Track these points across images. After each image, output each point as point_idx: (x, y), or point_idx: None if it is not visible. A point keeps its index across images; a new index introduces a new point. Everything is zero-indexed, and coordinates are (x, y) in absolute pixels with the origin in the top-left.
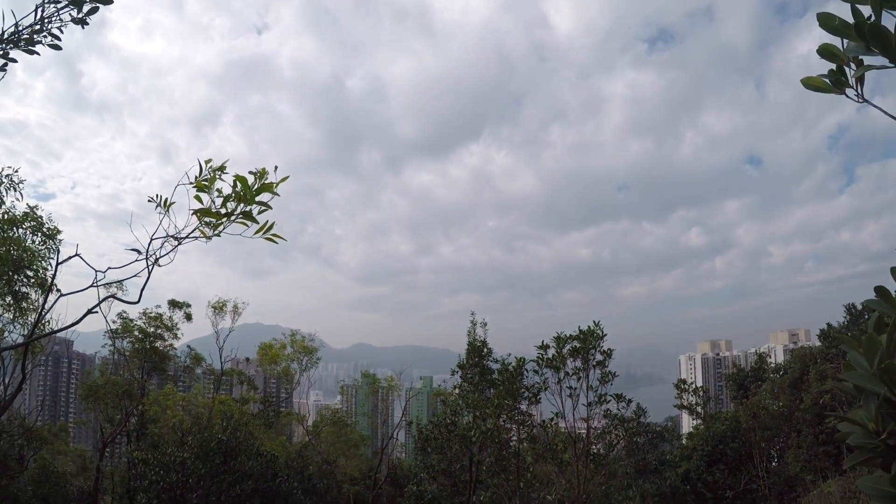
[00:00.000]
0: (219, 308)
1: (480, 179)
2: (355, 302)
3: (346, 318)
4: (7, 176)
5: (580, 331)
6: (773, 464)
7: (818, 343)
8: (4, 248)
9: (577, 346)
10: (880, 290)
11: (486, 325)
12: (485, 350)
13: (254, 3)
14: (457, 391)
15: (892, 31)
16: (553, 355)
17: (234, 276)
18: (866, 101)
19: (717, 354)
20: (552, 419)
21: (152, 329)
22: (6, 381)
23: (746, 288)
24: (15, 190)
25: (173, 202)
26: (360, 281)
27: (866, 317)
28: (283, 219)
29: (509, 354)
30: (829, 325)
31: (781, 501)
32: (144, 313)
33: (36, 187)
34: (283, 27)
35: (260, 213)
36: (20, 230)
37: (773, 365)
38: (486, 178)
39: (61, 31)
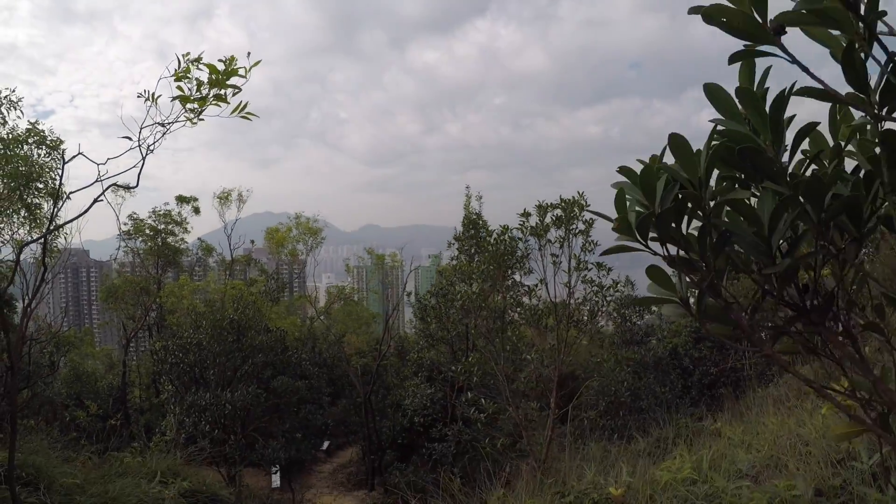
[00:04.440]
0: (224, 198)
1: (487, 56)
2: (363, 184)
3: (355, 200)
4: (6, 97)
5: (561, 199)
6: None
7: None
8: (13, 166)
9: (560, 214)
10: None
11: (481, 198)
12: (480, 222)
13: None
14: (453, 262)
15: None
16: (536, 223)
17: (242, 168)
18: None
19: None
20: (536, 285)
21: (162, 226)
22: (30, 295)
23: None
24: (15, 108)
25: (160, 95)
26: (368, 163)
27: None
28: (287, 105)
29: (506, 226)
30: None
31: (761, 379)
32: (154, 211)
33: (34, 106)
34: None
35: (234, 95)
36: (26, 146)
37: None
38: (494, 55)
39: None
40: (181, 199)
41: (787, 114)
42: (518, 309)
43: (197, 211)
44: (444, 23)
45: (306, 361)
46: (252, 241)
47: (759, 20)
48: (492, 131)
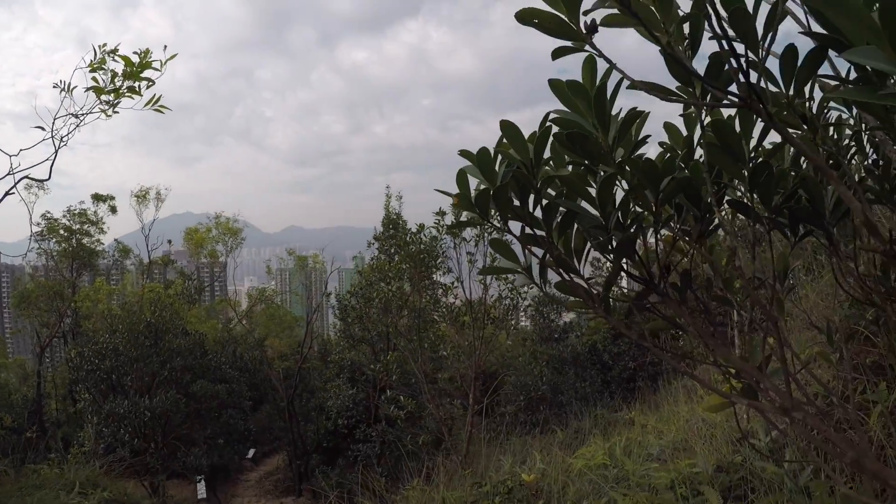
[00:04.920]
0: (142, 197)
1: (417, 57)
2: (287, 185)
3: (278, 201)
4: None
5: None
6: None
7: None
8: None
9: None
10: None
11: (401, 198)
12: (400, 222)
13: None
14: (373, 262)
15: None
16: (451, 221)
17: (162, 165)
18: None
19: None
20: (453, 283)
21: (78, 226)
22: None
23: None
24: None
25: (75, 86)
26: (292, 163)
27: None
28: (211, 101)
29: (422, 225)
30: None
31: (676, 372)
32: (69, 210)
33: None
34: None
35: (148, 87)
36: None
37: None
38: (424, 56)
39: None
40: (97, 198)
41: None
42: (437, 307)
43: (114, 210)
44: (376, 22)
45: (226, 365)
46: (170, 242)
47: (570, 22)
48: (419, 133)
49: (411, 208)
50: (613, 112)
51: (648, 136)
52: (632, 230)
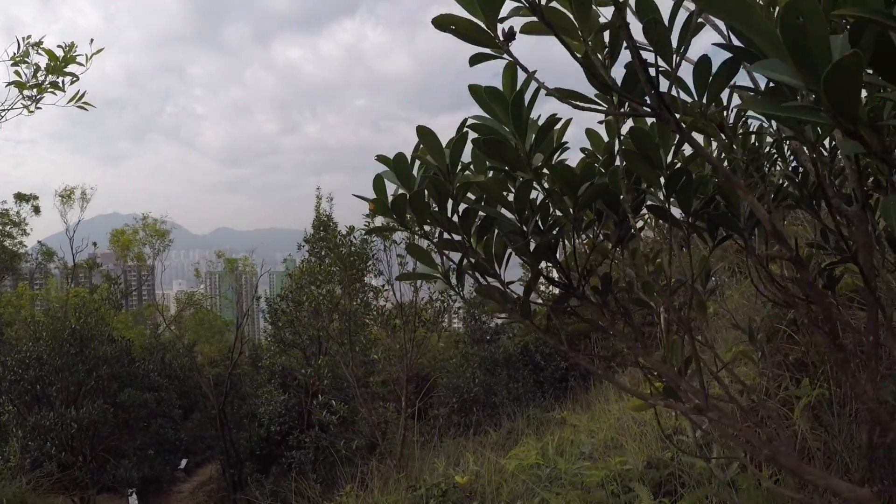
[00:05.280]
0: (67, 197)
1: (353, 57)
2: (217, 185)
3: (208, 201)
4: None
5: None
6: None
7: None
8: None
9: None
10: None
11: (332, 199)
12: (331, 224)
13: None
14: (304, 265)
15: None
16: (382, 223)
17: (88, 164)
18: None
19: None
20: (384, 286)
21: None
22: None
23: None
24: None
25: None
26: (223, 162)
27: None
28: (141, 97)
29: (352, 227)
30: None
31: (607, 373)
32: None
33: None
34: None
35: (72, 83)
36: None
37: None
38: (359, 56)
39: None
40: (20, 198)
41: None
42: (368, 311)
43: (37, 211)
44: (313, 20)
45: (154, 373)
46: (95, 245)
47: (488, 29)
48: (351, 133)
49: (343, 210)
50: (537, 117)
51: (566, 142)
52: (552, 234)
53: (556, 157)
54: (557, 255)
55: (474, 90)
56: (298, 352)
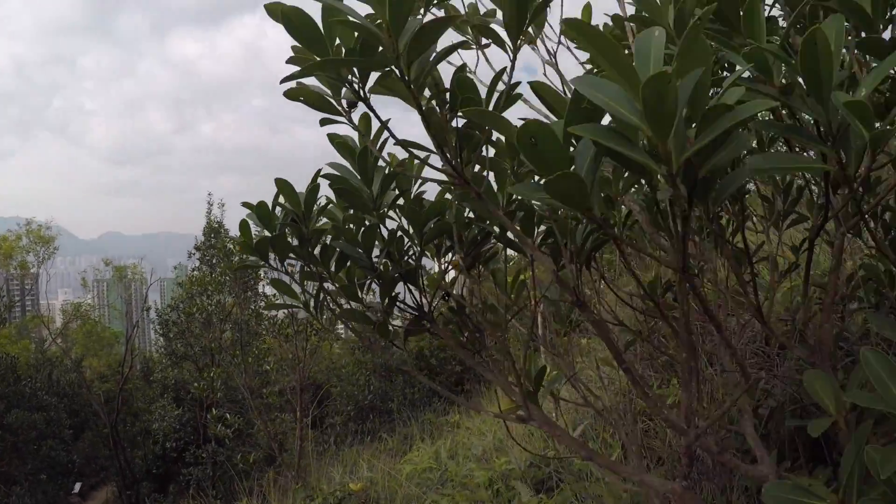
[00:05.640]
0: None
1: (251, 54)
2: (106, 186)
3: (96, 204)
4: None
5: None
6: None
7: None
8: None
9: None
10: None
11: (223, 205)
12: (222, 231)
13: None
14: (195, 273)
15: None
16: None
17: None
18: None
19: None
20: (275, 295)
21: None
22: None
23: None
24: None
25: None
26: (112, 162)
27: None
28: (28, 90)
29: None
30: None
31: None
32: None
33: None
34: None
35: None
36: None
37: None
38: (258, 54)
39: None
40: None
41: None
42: (260, 321)
43: None
44: (212, 14)
45: (42, 391)
46: None
47: (333, 100)
48: (247, 134)
49: (237, 215)
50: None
51: (406, 187)
52: (405, 262)
53: (413, 193)
54: (420, 280)
55: (334, 140)
56: (191, 364)
